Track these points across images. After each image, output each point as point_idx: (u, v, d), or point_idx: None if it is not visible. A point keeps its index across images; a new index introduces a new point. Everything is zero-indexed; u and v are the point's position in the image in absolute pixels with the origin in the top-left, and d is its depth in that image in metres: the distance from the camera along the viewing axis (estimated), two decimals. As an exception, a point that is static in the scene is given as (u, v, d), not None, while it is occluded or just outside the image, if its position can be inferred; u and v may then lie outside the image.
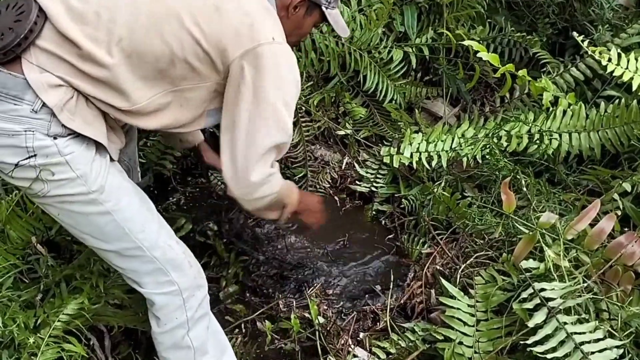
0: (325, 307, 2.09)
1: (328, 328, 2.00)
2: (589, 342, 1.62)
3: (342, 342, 1.97)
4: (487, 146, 2.39)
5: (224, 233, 2.26)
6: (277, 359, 2.02)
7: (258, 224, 2.36)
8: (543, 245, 1.83)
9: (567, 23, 2.87)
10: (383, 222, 2.53)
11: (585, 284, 1.74)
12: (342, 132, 2.76)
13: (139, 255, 1.66)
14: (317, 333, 1.97)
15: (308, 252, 2.34)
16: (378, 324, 2.04)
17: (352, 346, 1.97)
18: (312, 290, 2.15)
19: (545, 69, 2.77)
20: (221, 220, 2.30)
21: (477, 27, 2.86)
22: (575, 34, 2.37)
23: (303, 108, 2.75)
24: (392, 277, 2.21)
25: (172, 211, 2.45)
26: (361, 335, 2.02)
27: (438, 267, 2.06)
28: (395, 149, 2.55)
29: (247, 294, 2.18)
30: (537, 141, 2.43)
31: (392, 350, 1.89)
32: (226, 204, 2.37)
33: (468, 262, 1.98)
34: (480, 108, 2.93)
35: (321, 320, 1.99)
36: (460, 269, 1.97)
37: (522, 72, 2.37)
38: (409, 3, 2.83)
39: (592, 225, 1.89)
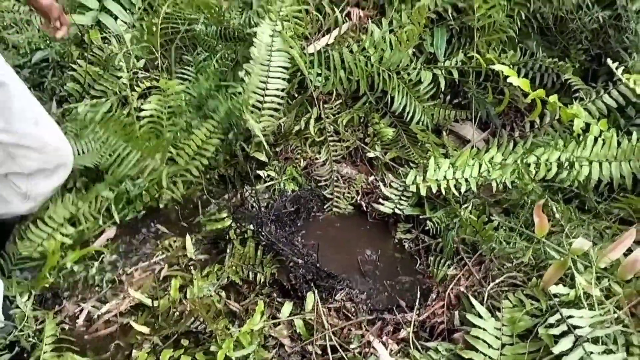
0: (349, 309, 2.13)
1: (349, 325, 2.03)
2: (615, 374, 1.57)
3: (364, 341, 1.98)
4: (516, 171, 2.36)
5: (263, 235, 2.26)
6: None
7: (292, 233, 2.43)
8: (574, 271, 1.79)
9: (600, 50, 2.84)
10: (407, 245, 2.51)
11: (616, 315, 1.69)
12: (371, 154, 2.76)
13: None
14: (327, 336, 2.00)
15: (339, 265, 2.35)
16: (399, 332, 2.02)
17: (373, 341, 1.98)
18: (339, 295, 2.18)
19: (577, 95, 2.74)
20: (260, 223, 2.30)
21: (508, 51, 2.85)
22: (609, 60, 2.35)
23: (332, 127, 2.75)
24: (418, 294, 2.20)
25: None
26: (384, 338, 2.02)
27: (462, 289, 2.03)
28: (421, 176, 2.53)
29: (278, 298, 2.19)
30: (567, 168, 2.39)
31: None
32: (262, 214, 2.38)
33: (496, 282, 1.94)
34: (509, 133, 2.90)
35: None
36: (488, 288, 1.93)
37: (552, 98, 2.35)
38: (440, 25, 2.84)
39: (626, 254, 1.85)
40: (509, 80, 2.32)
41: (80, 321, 2.12)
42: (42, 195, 2.01)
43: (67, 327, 2.09)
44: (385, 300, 2.27)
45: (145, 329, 2.05)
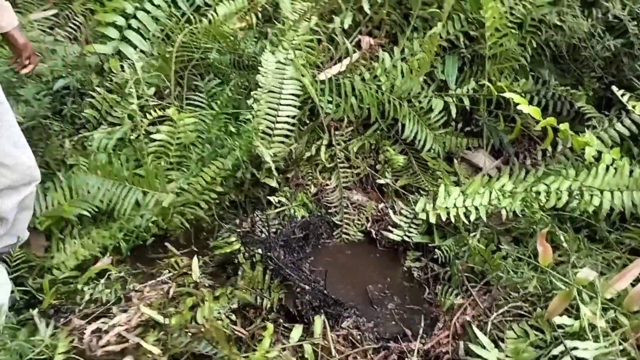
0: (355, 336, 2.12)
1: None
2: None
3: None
4: (525, 199, 2.34)
5: (272, 259, 2.26)
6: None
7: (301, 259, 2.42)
8: (579, 302, 1.76)
9: (613, 78, 2.82)
10: (416, 273, 2.50)
11: (622, 347, 1.66)
12: (381, 181, 2.77)
13: None
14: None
15: (347, 292, 2.36)
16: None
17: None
18: (345, 323, 2.17)
19: (590, 123, 2.72)
20: (269, 248, 2.31)
21: (520, 79, 2.85)
22: (614, 88, 2.33)
23: (342, 154, 2.77)
24: (422, 323, 2.18)
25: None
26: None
27: (468, 319, 2.00)
28: (431, 204, 2.53)
29: (283, 323, 2.18)
30: (577, 197, 2.36)
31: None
32: (271, 239, 2.39)
33: (500, 312, 1.91)
34: (522, 161, 2.88)
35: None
36: (492, 318, 1.91)
37: (563, 126, 2.33)
38: (452, 53, 2.86)
39: (633, 285, 1.81)
40: (519, 108, 2.32)
41: (89, 336, 2.13)
42: (10, 212, 2.11)
43: (75, 341, 2.10)
44: (392, 328, 2.25)
45: (156, 350, 2.05)
